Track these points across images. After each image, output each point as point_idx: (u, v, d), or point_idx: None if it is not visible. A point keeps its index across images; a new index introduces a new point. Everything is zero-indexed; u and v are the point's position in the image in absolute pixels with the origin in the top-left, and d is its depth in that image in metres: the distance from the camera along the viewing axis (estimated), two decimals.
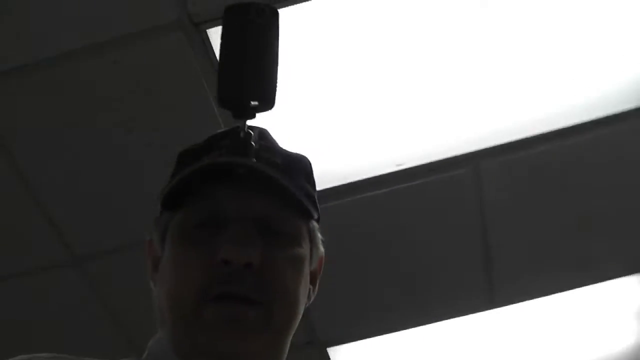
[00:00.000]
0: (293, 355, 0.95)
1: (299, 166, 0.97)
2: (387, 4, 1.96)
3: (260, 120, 0.93)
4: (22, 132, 2.21)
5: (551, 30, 2.06)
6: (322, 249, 1.01)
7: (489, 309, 2.94)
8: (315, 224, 0.98)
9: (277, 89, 0.91)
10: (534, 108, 2.28)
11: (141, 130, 2.22)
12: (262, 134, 0.96)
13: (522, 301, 2.93)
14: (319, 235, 1.00)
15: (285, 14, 1.92)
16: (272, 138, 0.98)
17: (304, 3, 1.93)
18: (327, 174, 2.40)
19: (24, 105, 2.15)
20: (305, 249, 0.93)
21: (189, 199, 0.89)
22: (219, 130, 0.96)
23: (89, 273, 2.62)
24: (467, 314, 2.96)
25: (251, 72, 0.90)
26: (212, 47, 2.02)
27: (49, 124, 2.19)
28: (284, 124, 2.20)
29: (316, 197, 0.99)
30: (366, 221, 2.56)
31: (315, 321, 2.86)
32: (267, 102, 0.90)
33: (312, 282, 0.99)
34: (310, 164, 1.00)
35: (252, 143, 0.89)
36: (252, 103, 0.89)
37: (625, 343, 3.32)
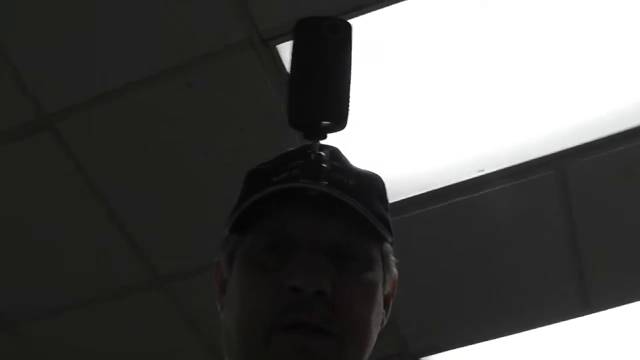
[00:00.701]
0: None
1: (372, 187, 0.93)
2: (463, 6, 1.92)
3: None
4: (103, 159, 2.26)
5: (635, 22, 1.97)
6: (395, 271, 0.97)
7: (583, 314, 2.83)
8: (388, 246, 0.94)
9: (350, 107, 0.86)
10: (617, 103, 2.19)
11: (218, 149, 2.24)
12: (334, 153, 0.93)
13: (617, 305, 2.81)
14: (392, 258, 0.96)
15: (359, 21, 1.91)
16: (344, 157, 0.94)
17: (380, 10, 1.91)
18: (408, 183, 2.36)
19: (104, 133, 2.20)
20: (378, 274, 0.89)
21: (257, 221, 0.87)
22: (289, 149, 0.93)
23: (172, 292, 2.66)
24: (559, 320, 2.85)
25: (322, 91, 0.86)
26: (282, 63, 2.01)
27: (128, 149, 2.24)
28: (363, 133, 2.19)
29: (389, 217, 0.94)
30: (450, 230, 2.51)
31: (406, 333, 2.81)
32: (339, 122, 0.85)
33: (385, 306, 0.95)
34: (383, 183, 0.96)
35: (324, 165, 0.85)
36: (324, 123, 0.85)
37: None
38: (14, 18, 1.94)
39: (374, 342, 0.89)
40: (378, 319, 0.89)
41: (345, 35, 0.86)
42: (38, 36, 1.98)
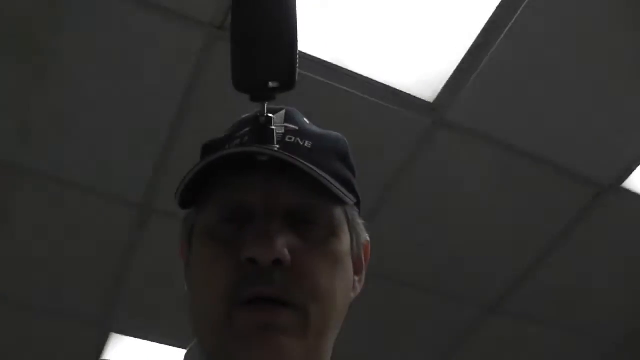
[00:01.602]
0: None
1: (331, 147, 0.87)
2: None
3: None
4: None
5: None
6: (365, 235, 0.91)
7: None
8: (354, 208, 0.88)
9: (297, 65, 0.81)
10: None
11: None
12: (289, 114, 0.89)
13: None
14: (360, 221, 0.90)
15: None
16: (300, 118, 0.90)
17: None
18: None
19: None
20: (343, 239, 0.84)
21: (212, 193, 0.82)
22: (243, 116, 0.89)
23: None
24: None
25: (266, 50, 0.81)
26: None
27: None
28: None
29: (353, 178, 0.89)
30: None
31: None
32: (287, 82, 0.80)
33: (357, 271, 0.90)
34: (345, 143, 0.91)
35: (273, 128, 0.80)
36: (271, 84, 0.80)
37: None
38: None
39: (345, 312, 0.85)
40: (346, 286, 0.85)
41: None
42: None
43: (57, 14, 2.08)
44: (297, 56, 0.81)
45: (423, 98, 2.29)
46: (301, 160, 0.77)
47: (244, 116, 0.89)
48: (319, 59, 2.23)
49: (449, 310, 3.08)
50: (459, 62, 2.20)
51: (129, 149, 2.44)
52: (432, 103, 2.29)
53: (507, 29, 2.10)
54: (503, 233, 2.76)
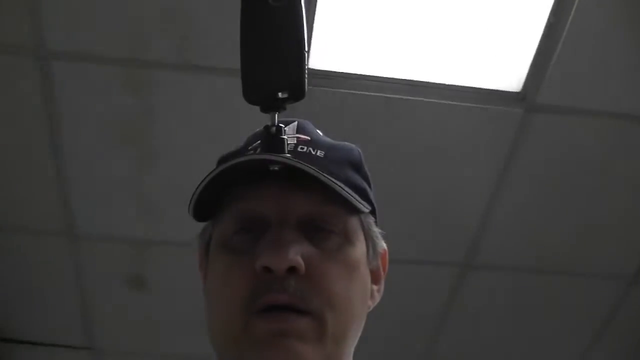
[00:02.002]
0: None
1: (344, 157, 0.88)
2: None
3: None
4: None
5: None
6: (382, 243, 0.91)
7: None
8: (370, 217, 0.88)
9: (306, 75, 0.82)
10: None
11: None
12: (301, 126, 0.90)
13: None
14: (377, 229, 0.90)
15: None
16: (312, 129, 0.91)
17: None
18: None
19: None
20: (358, 247, 0.84)
21: (227, 205, 0.83)
22: (256, 130, 0.90)
23: None
24: None
25: (274, 62, 0.82)
26: None
27: None
28: None
29: (369, 187, 0.89)
30: None
31: None
32: (296, 92, 0.81)
33: (375, 281, 0.90)
34: (359, 153, 0.92)
35: (284, 137, 0.81)
36: (280, 94, 0.81)
37: None
38: None
39: (362, 320, 0.85)
40: (364, 294, 0.85)
41: (292, 2, 0.82)
42: None
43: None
44: (306, 66, 0.82)
45: (510, 90, 2.31)
46: (313, 168, 0.78)
47: (257, 130, 0.89)
48: (401, 79, 2.29)
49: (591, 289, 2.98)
50: (536, 44, 2.21)
51: None
52: (520, 92, 2.30)
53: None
54: (627, 199, 2.67)
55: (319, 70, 2.28)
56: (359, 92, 2.32)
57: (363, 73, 2.30)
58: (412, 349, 3.17)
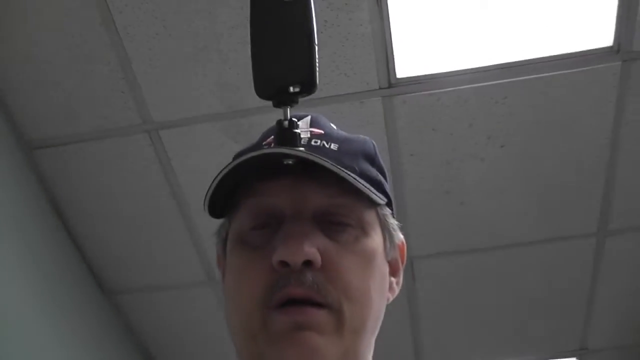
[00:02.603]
0: None
1: (358, 149, 0.87)
2: None
3: None
4: None
5: None
6: (400, 235, 0.89)
7: None
8: (386, 209, 0.87)
9: (317, 69, 0.82)
10: None
11: None
12: (314, 120, 0.89)
13: None
14: (393, 221, 0.88)
15: None
16: (326, 123, 0.90)
17: None
18: None
19: None
20: (375, 239, 0.83)
21: (243, 200, 0.83)
22: (270, 127, 0.89)
23: None
24: None
25: (284, 57, 0.82)
26: None
27: None
28: None
29: (383, 179, 0.88)
30: None
31: None
32: (308, 86, 0.81)
33: (394, 273, 0.88)
34: (373, 145, 0.90)
35: (297, 131, 0.81)
36: (292, 88, 0.81)
37: None
38: None
39: (381, 312, 0.83)
40: (382, 286, 0.84)
41: None
42: None
43: None
44: (317, 59, 0.81)
45: (602, 46, 2.24)
46: (327, 160, 0.77)
47: (271, 126, 0.88)
48: (490, 65, 2.28)
49: None
50: None
51: None
52: (613, 45, 2.22)
53: None
54: None
55: (407, 77, 2.31)
56: (451, 89, 2.33)
57: (450, 70, 2.30)
58: None
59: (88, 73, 2.26)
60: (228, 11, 2.10)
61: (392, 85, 2.30)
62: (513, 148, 2.45)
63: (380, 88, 2.30)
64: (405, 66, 2.29)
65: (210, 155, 2.41)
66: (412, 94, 2.33)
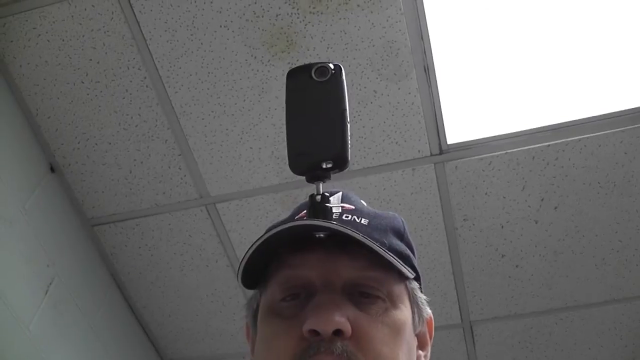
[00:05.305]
0: None
1: (388, 224, 0.88)
2: None
3: None
4: None
5: None
6: (428, 309, 0.90)
7: None
8: (415, 283, 0.88)
9: (349, 146, 0.85)
10: None
11: None
12: (346, 196, 0.91)
13: None
14: (422, 295, 0.89)
15: None
16: (356, 199, 0.92)
17: None
18: None
19: None
20: (403, 311, 0.84)
21: (274, 273, 0.85)
22: (302, 202, 0.92)
23: None
24: None
25: (318, 134, 0.85)
26: None
27: None
28: None
29: (412, 254, 0.89)
30: None
31: None
32: (339, 162, 0.83)
33: (422, 346, 0.89)
34: (401, 221, 0.92)
35: (328, 205, 0.83)
36: (324, 164, 0.83)
37: None
38: None
39: None
40: (409, 357, 0.84)
41: (334, 77, 0.86)
42: None
43: None
44: (349, 137, 0.84)
45: None
46: (359, 233, 0.78)
47: (303, 201, 0.91)
48: (541, 127, 2.27)
49: None
50: None
51: None
52: None
53: None
54: None
55: (458, 143, 2.33)
56: (502, 152, 2.33)
57: (500, 133, 2.31)
58: None
59: (146, 151, 2.35)
60: (279, 86, 2.17)
61: (443, 151, 2.32)
62: (567, 209, 2.42)
63: (432, 155, 2.32)
64: (456, 132, 2.31)
65: (266, 226, 2.45)
66: (464, 159, 2.34)
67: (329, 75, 0.86)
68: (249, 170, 2.37)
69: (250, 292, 0.93)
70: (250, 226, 2.50)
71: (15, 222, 2.17)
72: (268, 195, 2.43)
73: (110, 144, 2.34)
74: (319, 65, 0.86)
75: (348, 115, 0.86)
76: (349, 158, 0.84)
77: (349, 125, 0.86)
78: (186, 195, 2.45)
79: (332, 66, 0.86)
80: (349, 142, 0.85)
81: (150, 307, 2.76)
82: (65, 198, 2.44)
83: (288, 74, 0.88)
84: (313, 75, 0.86)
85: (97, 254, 2.59)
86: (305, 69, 0.86)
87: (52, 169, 2.39)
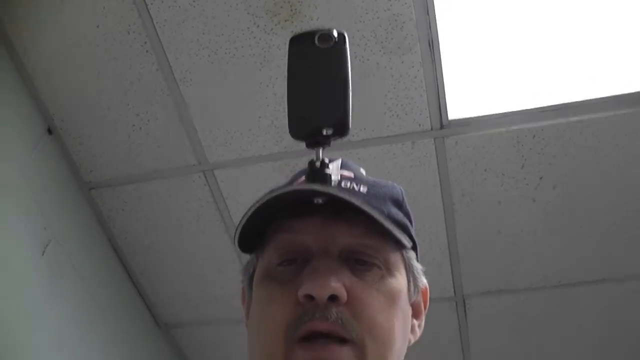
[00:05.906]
0: None
1: (386, 193, 0.89)
2: None
3: None
4: None
5: None
6: (423, 279, 0.90)
7: None
8: (411, 252, 0.88)
9: (350, 113, 0.84)
10: None
11: None
12: (345, 163, 0.91)
13: None
14: (418, 265, 0.89)
15: None
16: (355, 167, 0.92)
17: None
18: None
19: None
20: (399, 280, 0.84)
21: (271, 236, 0.85)
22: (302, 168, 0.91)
23: None
24: None
25: (319, 100, 0.85)
26: None
27: None
28: None
29: (410, 224, 0.89)
30: None
31: None
32: (340, 129, 0.83)
33: (417, 315, 0.89)
34: (400, 190, 0.92)
35: (327, 172, 0.83)
36: (325, 131, 0.83)
37: None
38: None
39: (403, 352, 0.84)
40: (404, 327, 0.84)
41: (337, 44, 0.85)
42: None
43: None
44: (350, 104, 0.83)
45: None
46: (357, 200, 0.78)
47: (303, 168, 0.90)
48: (547, 106, 2.27)
49: None
50: None
51: None
52: None
53: None
54: None
55: (459, 119, 2.32)
56: (503, 129, 2.32)
57: (502, 111, 2.30)
58: None
59: (145, 116, 2.34)
60: (281, 55, 2.15)
61: (444, 126, 2.31)
62: (565, 189, 2.42)
63: (432, 129, 2.31)
64: (458, 107, 2.31)
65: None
66: (464, 135, 2.34)
67: (332, 43, 0.85)
68: (248, 138, 2.36)
69: (247, 258, 0.93)
70: (248, 194, 2.50)
71: (12, 183, 2.17)
72: (267, 164, 2.42)
73: (109, 108, 2.33)
74: (323, 32, 0.85)
75: (350, 83, 0.85)
76: (350, 125, 0.84)
77: (350, 93, 0.85)
78: (184, 161, 2.44)
79: (335, 33, 0.85)
80: (350, 109, 0.85)
81: (146, 272, 2.77)
82: (63, 161, 2.44)
83: (291, 39, 0.87)
84: (316, 41, 0.85)
85: (94, 217, 2.59)
86: (308, 35, 0.86)
87: (50, 131, 2.38)
